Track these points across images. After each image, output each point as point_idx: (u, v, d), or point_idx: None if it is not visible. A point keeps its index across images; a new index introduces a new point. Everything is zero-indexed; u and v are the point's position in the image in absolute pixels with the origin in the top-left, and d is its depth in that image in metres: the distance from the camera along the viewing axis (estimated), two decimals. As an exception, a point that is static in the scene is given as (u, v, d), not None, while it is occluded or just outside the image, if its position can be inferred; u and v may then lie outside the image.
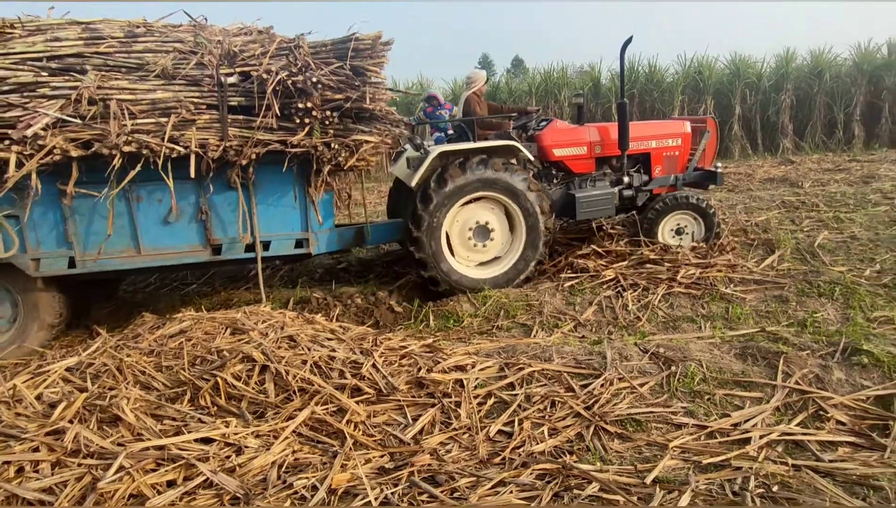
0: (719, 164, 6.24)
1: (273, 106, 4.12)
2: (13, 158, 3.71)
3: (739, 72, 16.23)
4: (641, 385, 3.30)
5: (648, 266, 5.23)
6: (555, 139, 5.77)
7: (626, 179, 5.95)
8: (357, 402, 3.19)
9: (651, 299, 4.75)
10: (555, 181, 5.97)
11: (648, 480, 2.52)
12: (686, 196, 5.66)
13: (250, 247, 4.66)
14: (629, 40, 5.48)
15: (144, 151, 3.95)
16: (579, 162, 5.83)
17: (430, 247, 5.01)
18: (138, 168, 3.98)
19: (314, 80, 4.09)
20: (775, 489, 2.39)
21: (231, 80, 4.17)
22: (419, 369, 3.49)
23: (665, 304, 4.74)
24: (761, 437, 2.84)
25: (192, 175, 4.06)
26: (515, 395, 3.29)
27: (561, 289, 5.11)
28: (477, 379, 3.46)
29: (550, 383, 3.37)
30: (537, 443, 2.88)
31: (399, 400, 3.23)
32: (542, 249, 5.34)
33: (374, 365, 3.44)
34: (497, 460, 2.78)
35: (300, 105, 4.14)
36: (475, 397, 3.28)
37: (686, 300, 4.77)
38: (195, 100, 4.14)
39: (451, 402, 3.23)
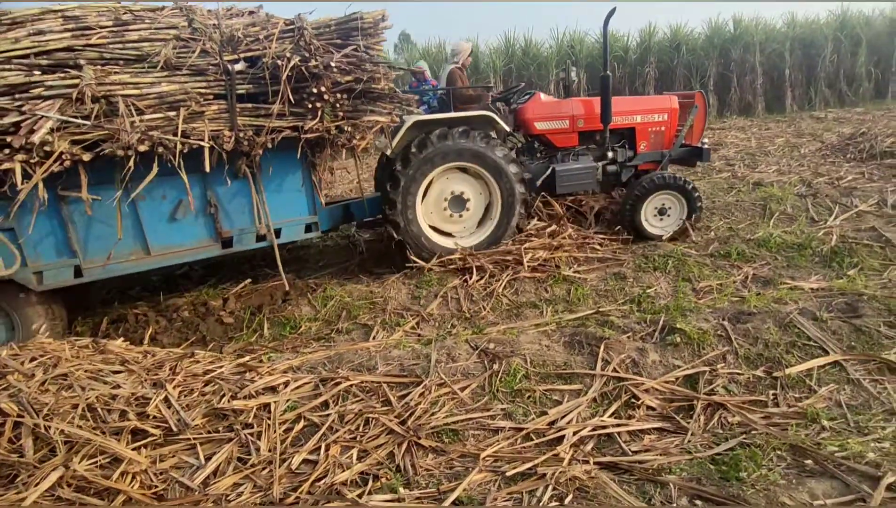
0: (706, 140, 6.11)
1: (287, 92, 3.97)
2: (18, 168, 3.34)
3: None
4: (463, 388, 3.12)
5: (496, 249, 5.10)
6: (536, 112, 5.64)
7: (609, 154, 5.82)
8: (139, 447, 2.74)
9: (496, 286, 4.63)
10: (538, 155, 5.86)
11: (447, 504, 2.32)
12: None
13: (261, 237, 4.54)
14: (612, 12, 5.33)
15: (159, 149, 3.71)
16: (561, 136, 5.71)
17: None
18: (155, 167, 3.74)
19: (330, 63, 4.00)
20: (568, 500, 2.27)
21: (238, 67, 3.97)
22: (222, 396, 3.09)
23: (510, 291, 4.64)
24: (574, 434, 2.76)
25: (208, 168, 3.91)
26: (328, 416, 2.98)
27: (407, 282, 4.87)
28: (288, 401, 3.11)
29: (368, 397, 3.10)
30: (343, 471, 2.60)
31: (190, 439, 2.82)
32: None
33: (165, 399, 3.00)
34: (292, 498, 2.47)
35: (313, 89, 4.02)
36: (282, 423, 2.94)
37: (531, 285, 4.70)
38: (202, 90, 3.91)
39: (252, 433, 2.87)
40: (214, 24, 4.12)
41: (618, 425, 2.82)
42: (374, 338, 4.17)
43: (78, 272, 4.05)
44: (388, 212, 5.01)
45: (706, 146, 5.94)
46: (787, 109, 15.92)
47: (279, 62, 3.93)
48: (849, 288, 3.84)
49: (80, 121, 3.50)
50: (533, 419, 2.91)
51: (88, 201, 3.71)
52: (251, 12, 4.50)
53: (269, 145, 4.08)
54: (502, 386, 3.13)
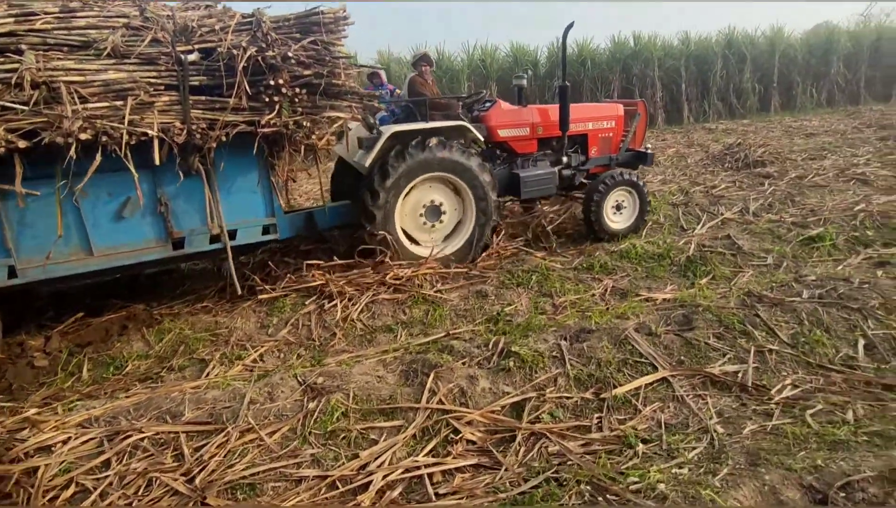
0: (649, 145, 6.27)
1: (243, 84, 3.83)
2: None
3: (518, 59, 17.09)
4: (272, 433, 2.80)
5: (356, 271, 4.83)
6: (500, 120, 5.68)
7: (565, 159, 5.93)
8: None
9: (351, 311, 4.35)
10: (498, 161, 5.88)
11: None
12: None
13: (215, 239, 4.33)
14: (570, 25, 5.51)
15: (103, 138, 3.51)
16: (522, 142, 5.79)
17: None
18: (98, 157, 3.52)
19: (288, 54, 3.88)
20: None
21: (192, 57, 3.81)
22: (-20, 462, 2.62)
23: (367, 314, 4.37)
24: (384, 478, 2.51)
25: (158, 161, 3.71)
26: (107, 477, 2.59)
27: (258, 310, 4.50)
28: (62, 462, 2.69)
29: (160, 451, 2.72)
30: (106, 545, 2.22)
31: (-80, 520, 2.35)
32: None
33: None
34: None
35: (270, 82, 3.88)
36: (48, 491, 2.51)
37: (389, 307, 4.44)
38: (152, 80, 3.73)
39: (7, 505, 2.43)
40: (168, 15, 3.97)
41: (433, 464, 2.59)
42: (207, 375, 3.78)
43: (12, 272, 3.78)
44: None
45: (650, 150, 6.29)
46: (685, 121, 16.72)
47: (235, 52, 3.80)
48: (689, 299, 3.83)
49: (17, 106, 3.31)
50: (343, 463, 2.63)
51: (22, 194, 3.47)
52: (208, 6, 4.34)
53: (224, 139, 3.93)
54: (316, 427, 2.84)
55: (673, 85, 17.29)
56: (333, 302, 4.47)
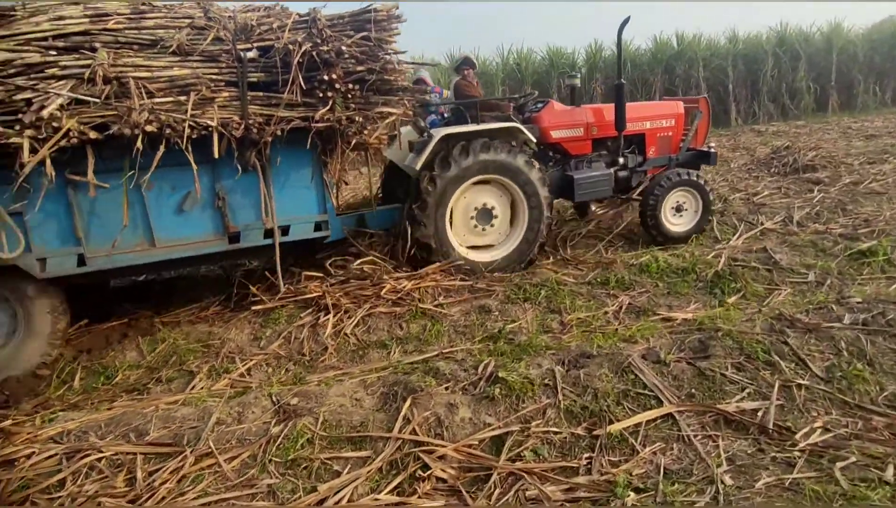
0: (712, 144, 5.99)
1: (298, 79, 3.94)
2: (26, 143, 3.32)
3: (554, 62, 16.68)
4: (231, 459, 2.60)
5: (354, 282, 4.61)
6: (553, 121, 5.53)
7: (621, 160, 5.72)
8: None
9: (345, 325, 4.13)
10: (551, 163, 5.70)
11: None
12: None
13: (269, 233, 4.40)
14: (626, 20, 5.32)
15: (167, 131, 3.66)
16: (576, 143, 5.62)
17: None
18: (162, 149, 3.66)
19: (342, 49, 3.97)
20: None
21: (250, 54, 3.97)
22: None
23: (362, 329, 4.15)
24: (339, 518, 2.26)
25: (217, 155, 3.84)
26: (59, 497, 2.45)
27: (253, 321, 4.35)
28: (22, 478, 2.57)
29: (115, 473, 2.57)
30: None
31: None
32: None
33: None
34: None
35: (324, 77, 3.97)
36: (10, 505, 2.39)
37: (386, 321, 4.20)
38: (213, 77, 3.90)
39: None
40: (230, 16, 4.19)
41: (395, 504, 2.33)
42: (192, 389, 3.64)
43: (81, 261, 3.92)
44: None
45: (713, 149, 5.93)
46: (732, 123, 15.86)
47: (291, 47, 3.90)
48: (708, 321, 3.42)
49: (90, 98, 3.49)
50: (300, 497, 2.41)
51: (94, 184, 3.63)
52: (267, 7, 4.52)
53: (279, 134, 4.02)
54: (278, 454, 2.62)
55: (719, 86, 16.43)
56: (331, 314, 4.27)
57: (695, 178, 5.46)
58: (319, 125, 4.07)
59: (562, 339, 3.74)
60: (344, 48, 3.99)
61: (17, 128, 3.36)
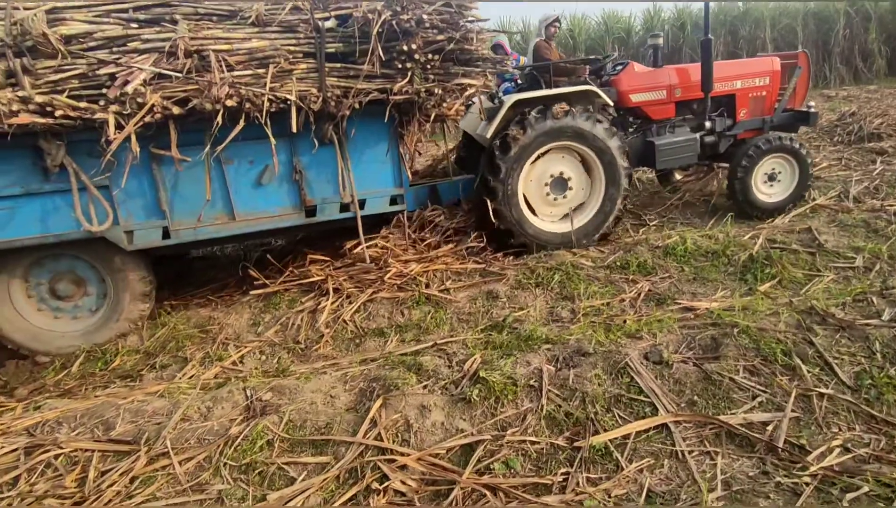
0: (812, 103, 5.58)
1: (377, 49, 3.80)
2: (111, 119, 3.34)
3: (609, 28, 15.99)
4: (186, 460, 2.48)
5: (359, 265, 4.41)
6: (632, 83, 5.21)
7: (707, 124, 5.35)
8: None
9: (345, 311, 3.96)
10: (631, 129, 5.44)
11: None
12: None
13: (345, 207, 4.39)
14: None
15: (246, 105, 3.61)
16: (658, 107, 5.27)
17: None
18: (241, 123, 3.65)
19: (423, 16, 3.79)
20: None
21: (328, 24, 3.86)
22: None
23: (362, 315, 3.97)
24: (284, 533, 2.09)
25: (294, 129, 3.77)
26: (8, 497, 2.40)
27: (254, 305, 4.25)
28: (-16, 472, 2.55)
29: (68, 471, 2.50)
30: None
31: None
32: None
33: None
34: None
35: (404, 47, 3.81)
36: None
37: (387, 307, 4.01)
38: (291, 48, 3.81)
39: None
40: None
41: (347, 517, 2.14)
42: (182, 377, 3.58)
43: (166, 233, 4.04)
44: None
45: (813, 109, 5.42)
46: (801, 87, 14.56)
47: (370, 16, 3.76)
48: (727, 314, 3.00)
49: (173, 72, 3.46)
50: (248, 506, 2.25)
51: (178, 159, 3.66)
52: None
53: (357, 107, 3.93)
54: (234, 457, 2.48)
55: (788, 48, 15.11)
56: (332, 299, 4.11)
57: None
58: (398, 97, 3.95)
59: (568, 330, 3.42)
60: (425, 16, 3.81)
61: (102, 103, 3.37)
